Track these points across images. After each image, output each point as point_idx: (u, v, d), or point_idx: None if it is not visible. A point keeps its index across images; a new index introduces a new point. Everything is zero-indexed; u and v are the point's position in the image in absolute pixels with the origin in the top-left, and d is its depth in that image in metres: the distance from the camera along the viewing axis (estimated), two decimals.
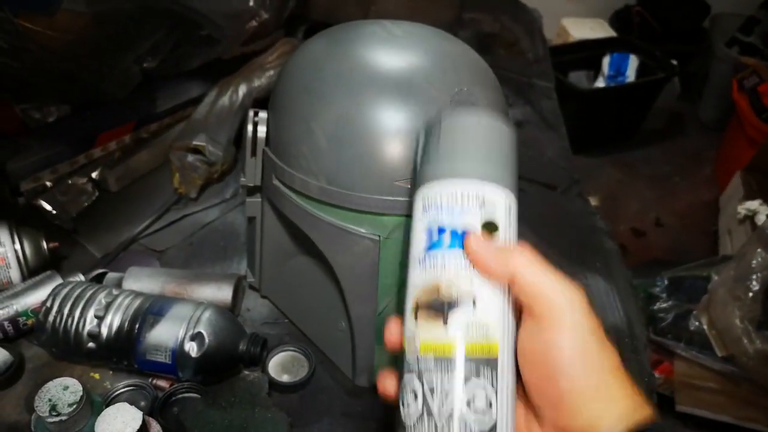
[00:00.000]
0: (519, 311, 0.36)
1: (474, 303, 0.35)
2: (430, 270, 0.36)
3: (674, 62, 2.12)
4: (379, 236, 0.57)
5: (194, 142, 0.88)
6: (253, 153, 0.64)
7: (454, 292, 0.35)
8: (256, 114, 0.63)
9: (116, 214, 0.87)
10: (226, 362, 0.62)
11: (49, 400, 0.50)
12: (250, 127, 0.63)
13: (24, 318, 0.65)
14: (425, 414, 0.34)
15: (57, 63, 0.76)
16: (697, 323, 1.25)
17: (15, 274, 0.69)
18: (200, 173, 0.89)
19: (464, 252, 0.36)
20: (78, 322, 0.59)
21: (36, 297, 0.65)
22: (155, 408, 0.59)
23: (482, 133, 0.40)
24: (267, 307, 0.75)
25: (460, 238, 0.36)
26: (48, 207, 0.82)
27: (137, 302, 0.61)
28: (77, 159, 0.86)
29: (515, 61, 1.30)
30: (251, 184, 0.66)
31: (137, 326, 0.59)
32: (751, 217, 1.49)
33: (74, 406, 0.50)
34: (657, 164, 2.23)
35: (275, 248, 0.69)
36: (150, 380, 0.62)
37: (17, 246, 0.69)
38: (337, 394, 0.65)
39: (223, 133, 0.91)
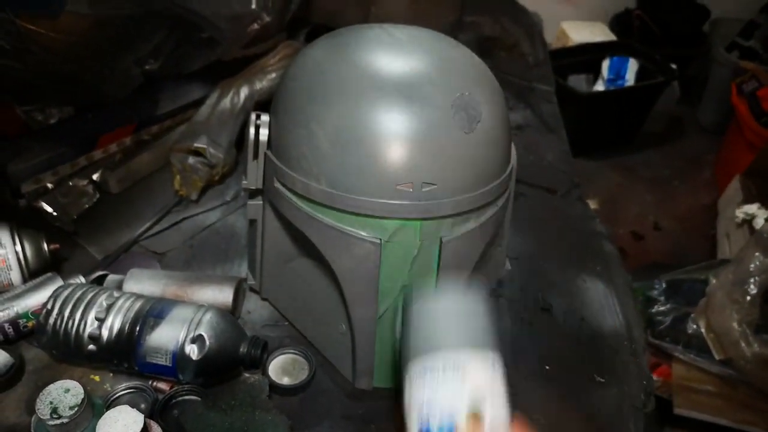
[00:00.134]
0: None
1: None
2: None
3: (674, 66, 2.13)
4: (380, 239, 0.57)
5: (195, 144, 0.88)
6: (255, 156, 0.64)
7: None
8: (258, 117, 0.63)
9: (117, 216, 0.87)
10: (226, 365, 0.62)
11: (51, 402, 0.50)
12: (252, 130, 0.63)
13: (24, 320, 0.65)
14: None
15: (59, 65, 0.76)
16: (695, 326, 1.25)
17: (16, 275, 0.69)
18: (201, 175, 0.89)
19: None
20: (78, 325, 0.59)
21: (37, 299, 0.65)
22: (156, 410, 0.59)
23: (453, 318, 0.44)
24: (267, 309, 0.75)
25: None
26: (49, 209, 0.82)
27: (138, 304, 0.61)
28: (78, 161, 0.86)
29: (515, 65, 1.31)
30: (253, 187, 0.66)
31: (138, 329, 0.59)
32: (749, 221, 1.49)
33: (75, 409, 0.50)
34: (656, 168, 2.24)
35: (276, 251, 0.69)
36: (150, 382, 0.62)
37: (18, 248, 0.69)
38: (337, 397, 0.65)
39: (225, 135, 0.91)
